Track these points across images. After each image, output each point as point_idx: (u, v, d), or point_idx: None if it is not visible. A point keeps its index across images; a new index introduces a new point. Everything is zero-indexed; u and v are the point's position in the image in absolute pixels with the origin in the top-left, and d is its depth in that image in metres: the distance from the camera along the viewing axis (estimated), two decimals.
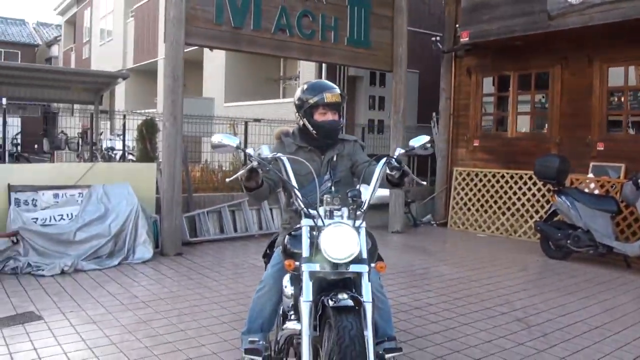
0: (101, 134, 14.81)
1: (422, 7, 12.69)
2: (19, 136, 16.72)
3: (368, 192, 3.31)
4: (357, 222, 3.10)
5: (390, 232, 10.19)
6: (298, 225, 3.26)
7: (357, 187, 3.35)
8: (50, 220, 7.21)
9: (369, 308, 2.99)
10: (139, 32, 21.01)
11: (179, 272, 6.89)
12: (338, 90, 3.71)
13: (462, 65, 11.15)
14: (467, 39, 9.88)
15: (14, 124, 17.58)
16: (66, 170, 8.14)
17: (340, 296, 2.95)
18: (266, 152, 3.37)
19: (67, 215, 7.35)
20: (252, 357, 3.44)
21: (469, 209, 10.74)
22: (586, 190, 8.87)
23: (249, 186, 3.42)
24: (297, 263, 3.06)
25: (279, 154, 3.39)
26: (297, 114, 3.79)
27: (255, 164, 3.25)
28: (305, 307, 2.97)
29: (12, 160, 14.32)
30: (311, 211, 3.14)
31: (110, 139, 14.79)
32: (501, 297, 6.17)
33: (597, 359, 4.51)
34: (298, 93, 3.76)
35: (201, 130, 11.17)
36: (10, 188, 7.15)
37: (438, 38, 11.42)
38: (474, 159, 10.94)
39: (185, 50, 7.96)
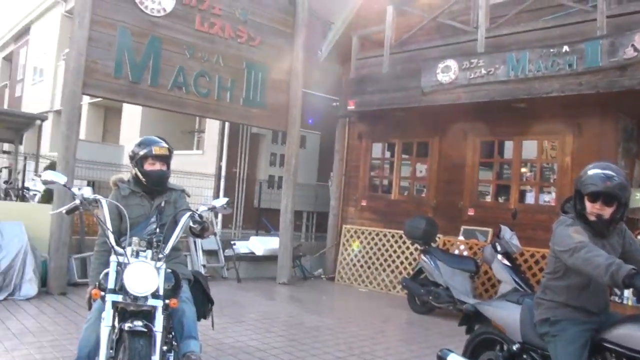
0: (18, 173, 15.00)
1: (329, 74, 13.53)
2: None
3: (170, 240, 3.90)
4: (158, 264, 3.68)
5: (277, 284, 10.68)
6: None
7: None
8: None
9: (159, 337, 3.57)
10: None
11: (56, 310, 7.27)
12: (165, 145, 4.34)
13: (354, 130, 12.03)
14: (353, 107, 10.77)
15: None
16: None
17: (135, 322, 3.50)
18: (88, 193, 3.97)
19: None
20: None
21: (354, 265, 11.39)
22: (456, 251, 9.67)
23: None
24: (102, 293, 3.61)
25: (98, 197, 3.97)
26: (130, 163, 4.39)
27: (77, 202, 3.82)
28: (104, 331, 3.51)
29: None
30: (118, 249, 3.70)
31: (33, 179, 14.98)
32: (346, 344, 6.73)
33: None
34: (132, 146, 4.38)
35: (108, 176, 11.64)
36: None
37: (337, 104, 12.25)
38: (362, 218, 11.69)
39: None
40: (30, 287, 7.80)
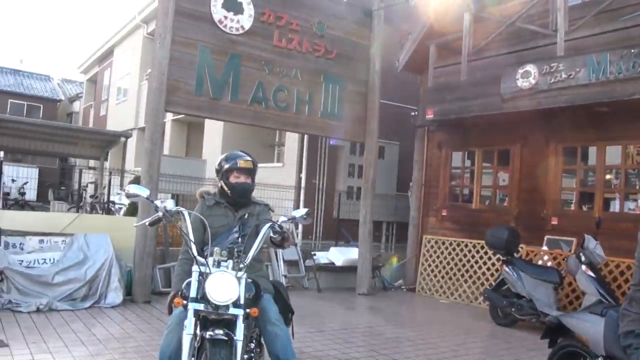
0: (104, 188, 15.66)
1: (406, 84, 13.53)
2: (27, 185, 17.74)
3: (251, 250, 4.00)
4: (239, 273, 3.78)
5: (357, 294, 10.70)
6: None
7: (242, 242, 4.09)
8: (34, 263, 8.00)
9: (239, 345, 3.66)
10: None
11: (140, 317, 7.55)
12: (249, 158, 4.49)
13: (433, 140, 11.96)
14: (431, 115, 10.68)
15: (30, 176, 18.81)
16: (54, 218, 8.98)
17: (216, 331, 3.62)
18: (170, 205, 4.13)
19: (50, 259, 8.14)
20: None
21: (435, 276, 11.27)
22: (539, 262, 9.41)
23: None
24: (184, 302, 3.74)
25: (181, 209, 4.13)
26: (217, 177, 4.56)
27: (160, 214, 3.99)
28: (187, 339, 3.64)
29: (17, 208, 15.25)
30: (200, 259, 3.83)
31: (118, 193, 15.61)
32: (426, 356, 6.66)
33: None
34: (218, 160, 4.56)
35: (191, 189, 12.09)
36: (1, 232, 7.97)
37: (416, 113, 12.21)
38: (442, 228, 11.57)
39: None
40: (115, 295, 8.16)
